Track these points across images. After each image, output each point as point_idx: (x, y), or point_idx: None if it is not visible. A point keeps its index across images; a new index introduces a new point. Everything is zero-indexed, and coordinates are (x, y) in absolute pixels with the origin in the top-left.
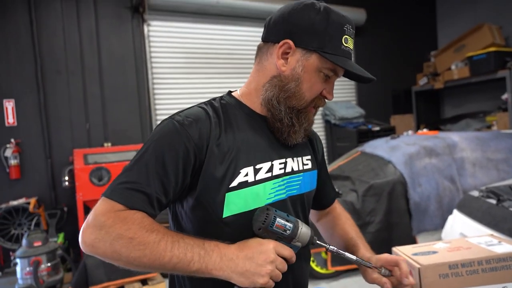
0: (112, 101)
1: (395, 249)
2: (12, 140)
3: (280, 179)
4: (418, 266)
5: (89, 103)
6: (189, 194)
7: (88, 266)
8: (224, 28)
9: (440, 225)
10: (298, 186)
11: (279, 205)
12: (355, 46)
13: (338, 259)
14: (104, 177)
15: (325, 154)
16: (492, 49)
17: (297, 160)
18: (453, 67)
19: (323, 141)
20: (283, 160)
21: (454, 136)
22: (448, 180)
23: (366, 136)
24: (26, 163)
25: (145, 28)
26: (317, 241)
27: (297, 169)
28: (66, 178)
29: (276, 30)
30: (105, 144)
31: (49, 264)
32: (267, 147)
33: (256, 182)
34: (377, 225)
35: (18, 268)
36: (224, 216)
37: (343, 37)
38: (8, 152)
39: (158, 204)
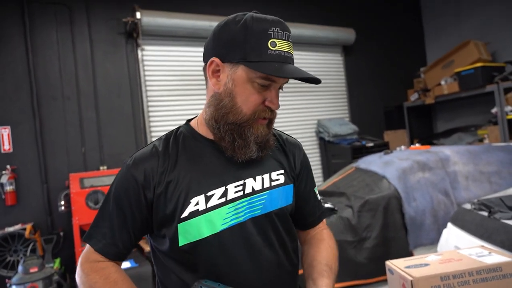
0: (107, 125)
1: (388, 262)
2: (8, 166)
3: (238, 202)
4: (410, 278)
5: (85, 127)
6: (150, 227)
7: None
8: None
9: (436, 239)
10: (261, 206)
11: (237, 229)
12: (346, 64)
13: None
14: (101, 200)
15: (320, 171)
16: (479, 64)
17: (262, 178)
18: (442, 82)
19: (318, 159)
20: (240, 182)
21: (446, 150)
22: (442, 193)
23: (360, 152)
24: (22, 189)
25: (139, 53)
26: None
27: (259, 188)
28: (62, 202)
29: (207, 51)
30: (101, 168)
31: None
32: (220, 172)
33: (207, 210)
34: (373, 240)
35: None
36: (180, 245)
37: (269, 41)
38: (4, 179)
39: (123, 243)
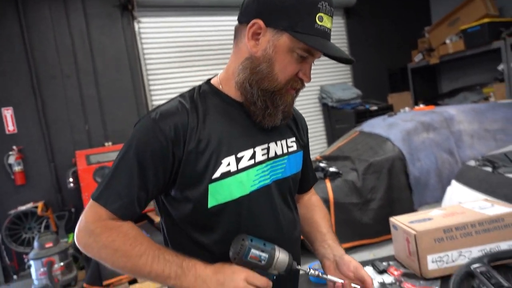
0: (109, 101)
1: (392, 218)
2: (14, 147)
3: (264, 164)
4: (414, 232)
5: (87, 104)
6: (173, 187)
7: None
8: (215, 19)
9: (441, 198)
10: (282, 170)
11: (263, 191)
12: (348, 27)
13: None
14: None
15: (324, 137)
16: (486, 20)
17: (281, 144)
18: (447, 41)
19: (321, 125)
20: (265, 146)
21: (450, 110)
22: (446, 153)
23: (364, 116)
24: (30, 168)
25: (136, 26)
26: (297, 267)
27: (281, 153)
28: (71, 179)
29: (248, 11)
30: (106, 144)
31: (62, 264)
32: (248, 134)
33: (239, 171)
34: (378, 201)
35: (32, 270)
36: (209, 206)
37: (317, 15)
38: (12, 159)
39: (139, 203)
